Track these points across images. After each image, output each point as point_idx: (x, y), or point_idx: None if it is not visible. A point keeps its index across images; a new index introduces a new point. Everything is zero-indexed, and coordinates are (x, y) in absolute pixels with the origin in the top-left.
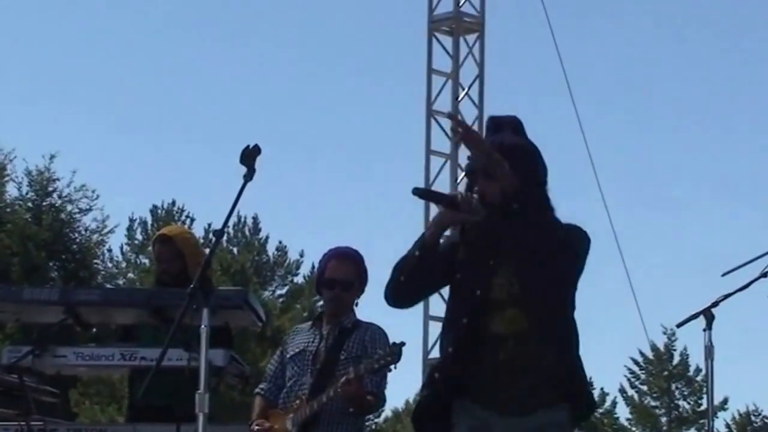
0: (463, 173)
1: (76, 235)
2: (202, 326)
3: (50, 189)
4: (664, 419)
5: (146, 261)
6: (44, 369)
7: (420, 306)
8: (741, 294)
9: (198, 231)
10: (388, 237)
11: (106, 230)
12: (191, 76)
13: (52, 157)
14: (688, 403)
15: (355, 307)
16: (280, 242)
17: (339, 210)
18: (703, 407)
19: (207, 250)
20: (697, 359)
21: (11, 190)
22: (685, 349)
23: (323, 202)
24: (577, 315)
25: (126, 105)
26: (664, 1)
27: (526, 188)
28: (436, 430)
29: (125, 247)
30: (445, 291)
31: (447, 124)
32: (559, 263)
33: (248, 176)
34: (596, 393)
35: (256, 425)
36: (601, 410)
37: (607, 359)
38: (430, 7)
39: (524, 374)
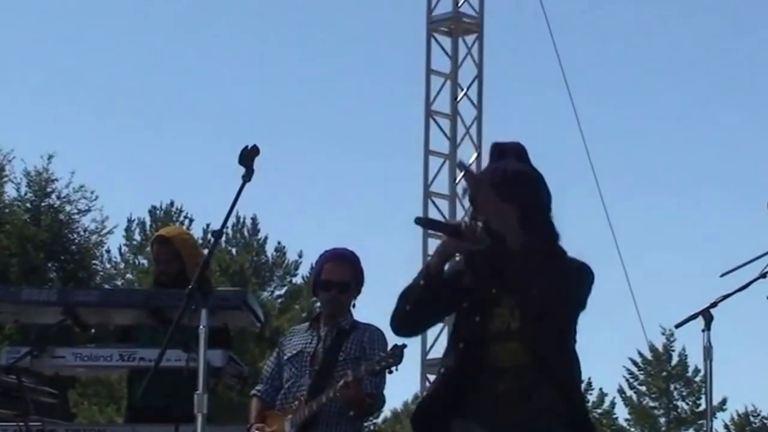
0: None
1: (75, 235)
2: (201, 327)
3: (49, 190)
4: (662, 420)
5: (145, 262)
6: (43, 369)
7: None
8: (740, 294)
9: (197, 231)
10: (388, 237)
11: (105, 231)
12: (190, 77)
13: (50, 157)
14: (687, 404)
15: (352, 308)
16: (279, 243)
17: (338, 210)
18: (702, 408)
19: (206, 251)
20: (695, 360)
21: (10, 191)
22: (683, 349)
23: (322, 202)
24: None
25: (125, 105)
26: (662, 0)
27: (528, 218)
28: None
29: (123, 248)
30: None
31: (446, 124)
32: (560, 299)
33: (247, 177)
34: (595, 393)
35: (256, 429)
36: (599, 411)
37: (605, 360)
38: (429, 8)
39: (524, 407)
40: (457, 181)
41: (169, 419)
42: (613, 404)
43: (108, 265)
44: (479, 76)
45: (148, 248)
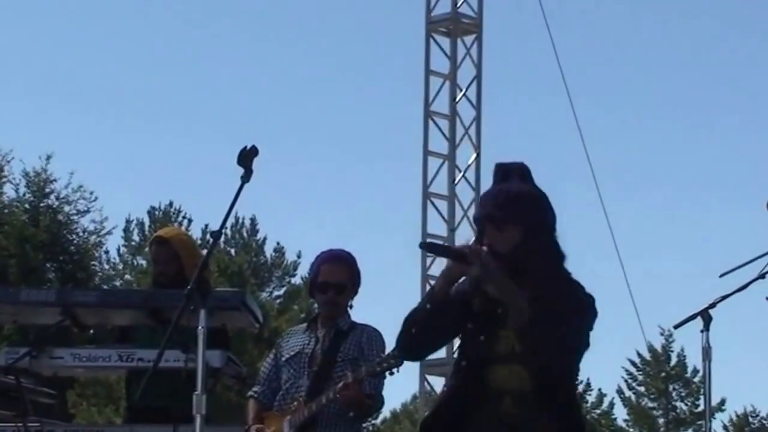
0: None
1: (74, 236)
2: (199, 327)
3: (47, 190)
4: (661, 420)
5: (143, 262)
6: (41, 370)
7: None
8: (739, 295)
9: (195, 232)
10: (387, 238)
11: (103, 232)
12: (189, 77)
13: (48, 157)
14: (686, 405)
15: (349, 308)
16: (278, 243)
17: (337, 211)
18: (701, 408)
19: (204, 251)
20: (694, 360)
21: (8, 192)
22: (682, 350)
23: (321, 203)
24: None
25: (123, 106)
26: (660, 1)
27: (533, 239)
28: None
29: (122, 249)
30: None
31: (445, 125)
32: (562, 327)
33: (246, 177)
34: (594, 394)
35: (255, 430)
36: (598, 411)
37: (604, 360)
38: (428, 9)
39: (524, 431)
40: (454, 181)
41: (168, 420)
42: (611, 405)
43: (107, 266)
44: (478, 77)
45: (147, 249)
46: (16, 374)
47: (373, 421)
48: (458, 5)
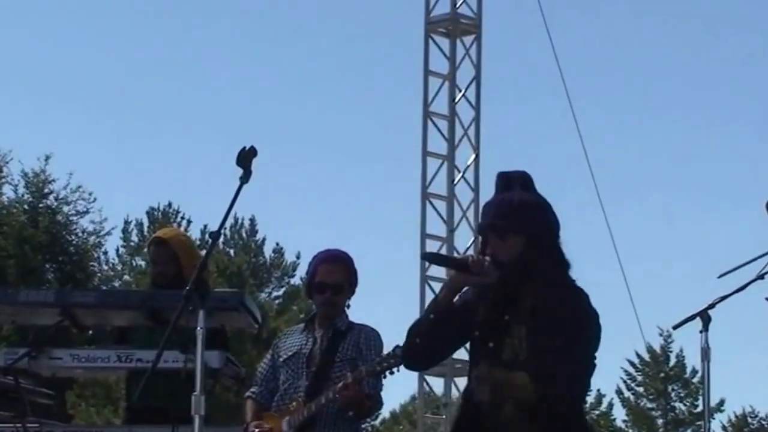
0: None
1: (73, 237)
2: (198, 328)
3: (46, 191)
4: (660, 421)
5: (142, 263)
6: (40, 371)
7: (417, 307)
8: (738, 296)
9: (194, 233)
10: (386, 238)
11: (102, 232)
12: (188, 78)
13: (47, 158)
14: (685, 405)
15: (346, 308)
16: (277, 244)
17: (336, 211)
18: (700, 409)
19: (203, 252)
20: (693, 361)
21: (7, 192)
22: (681, 350)
23: (320, 203)
24: None
25: (122, 106)
26: (660, 2)
27: (535, 249)
28: None
29: (121, 249)
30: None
31: (444, 125)
32: (565, 335)
33: (245, 178)
34: (593, 395)
35: (255, 427)
36: (597, 412)
37: (603, 361)
38: (427, 9)
39: None
40: (453, 182)
41: (167, 420)
42: (610, 405)
43: (105, 267)
44: (477, 77)
45: (146, 250)
46: (15, 375)
47: (372, 422)
48: (457, 6)
